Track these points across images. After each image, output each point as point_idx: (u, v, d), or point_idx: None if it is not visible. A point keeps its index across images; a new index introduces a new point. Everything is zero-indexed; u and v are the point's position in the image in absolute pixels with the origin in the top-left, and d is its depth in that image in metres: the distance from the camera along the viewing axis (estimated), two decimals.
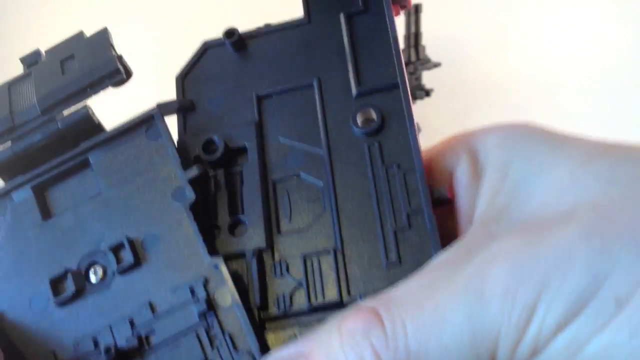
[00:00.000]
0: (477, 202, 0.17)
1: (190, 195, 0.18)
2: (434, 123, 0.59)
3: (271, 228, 0.19)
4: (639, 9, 0.76)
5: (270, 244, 0.18)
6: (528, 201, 0.16)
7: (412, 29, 0.65)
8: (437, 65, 0.66)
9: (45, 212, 0.19)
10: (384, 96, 0.19)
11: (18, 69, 0.71)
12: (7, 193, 0.18)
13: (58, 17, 0.75)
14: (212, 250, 0.18)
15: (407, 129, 0.18)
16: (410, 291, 0.15)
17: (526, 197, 0.16)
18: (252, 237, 0.18)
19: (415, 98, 0.63)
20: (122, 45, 0.80)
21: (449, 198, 0.18)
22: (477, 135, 0.18)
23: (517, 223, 0.16)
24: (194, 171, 0.18)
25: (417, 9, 0.65)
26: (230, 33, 0.22)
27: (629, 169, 0.14)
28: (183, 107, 0.20)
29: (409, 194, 0.18)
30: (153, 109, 0.21)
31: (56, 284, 0.18)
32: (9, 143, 0.19)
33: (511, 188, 0.17)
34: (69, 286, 0.18)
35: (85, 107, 0.20)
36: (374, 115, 0.19)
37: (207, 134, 0.20)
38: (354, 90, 0.19)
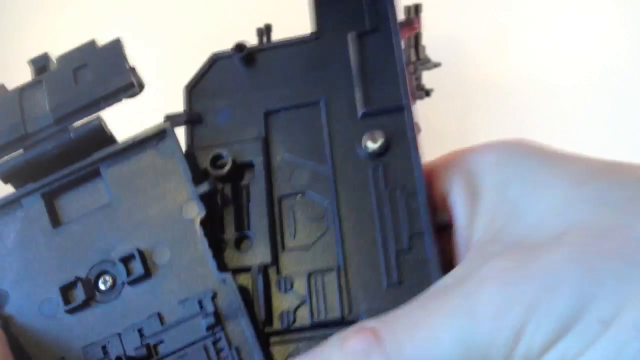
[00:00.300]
0: (474, 227, 0.18)
1: (202, 211, 0.19)
2: (434, 123, 0.59)
3: (276, 244, 0.19)
4: None
5: (275, 260, 0.19)
6: (523, 222, 0.17)
7: None
8: (437, 65, 0.66)
9: (55, 220, 0.19)
10: (389, 118, 0.19)
11: (18, 69, 0.70)
12: (17, 200, 0.19)
13: (60, 21, 0.75)
14: (221, 265, 0.18)
15: (411, 152, 0.19)
16: (409, 313, 0.16)
17: (521, 219, 0.17)
18: (258, 253, 0.19)
19: (415, 98, 0.63)
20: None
21: (449, 224, 0.18)
22: (471, 156, 0.19)
23: (510, 244, 0.16)
24: (204, 187, 0.19)
25: (417, 9, 0.65)
26: (240, 47, 0.21)
27: (621, 192, 0.15)
28: (191, 119, 0.20)
29: (411, 216, 0.18)
30: (165, 124, 0.21)
31: (66, 292, 0.18)
32: (20, 150, 0.19)
33: (507, 210, 0.17)
34: (79, 294, 0.18)
35: (98, 119, 0.20)
36: (379, 137, 0.19)
37: (215, 148, 0.20)
38: (360, 111, 0.19)
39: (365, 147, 0.19)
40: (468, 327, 0.14)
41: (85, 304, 0.18)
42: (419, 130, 0.20)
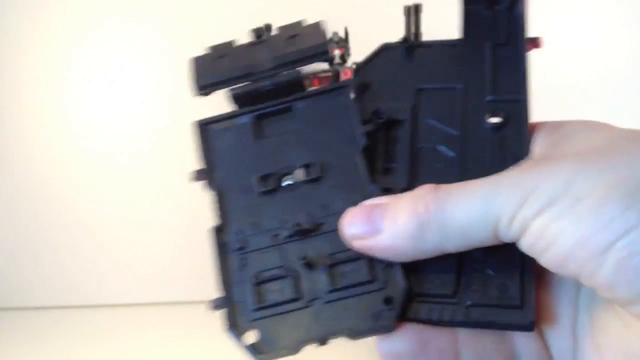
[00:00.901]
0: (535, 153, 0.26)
1: (364, 141, 0.26)
2: None
3: (412, 175, 0.26)
4: None
5: (410, 185, 0.25)
6: (563, 146, 0.24)
7: (412, 29, 0.65)
8: None
9: (259, 134, 0.27)
10: (509, 105, 0.26)
11: (18, 68, 0.70)
12: (236, 116, 0.28)
13: (61, 17, 0.75)
14: (372, 181, 0.25)
15: (522, 132, 0.25)
16: (464, 182, 0.22)
17: (564, 144, 0.24)
18: (398, 179, 0.26)
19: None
20: (129, 41, 0.79)
21: None
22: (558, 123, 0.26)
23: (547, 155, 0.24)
24: (369, 126, 0.26)
25: (417, 9, 0.65)
26: (406, 40, 0.30)
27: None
28: (362, 84, 0.28)
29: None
30: (347, 81, 0.28)
31: (261, 180, 0.26)
32: (247, 82, 0.28)
33: (559, 138, 0.24)
34: (270, 183, 0.26)
35: (298, 71, 0.28)
36: (501, 116, 0.26)
37: (377, 105, 0.27)
38: (487, 97, 0.26)
39: (489, 121, 0.26)
40: (491, 192, 0.21)
41: (273, 191, 0.26)
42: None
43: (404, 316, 0.23)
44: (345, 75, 0.31)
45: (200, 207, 0.79)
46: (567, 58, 0.68)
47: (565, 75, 0.68)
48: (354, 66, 0.63)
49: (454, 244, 0.22)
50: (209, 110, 0.85)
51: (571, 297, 0.24)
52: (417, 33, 0.65)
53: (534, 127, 0.26)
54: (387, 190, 0.25)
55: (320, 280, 0.24)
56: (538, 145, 0.25)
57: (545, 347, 0.24)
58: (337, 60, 0.66)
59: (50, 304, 0.77)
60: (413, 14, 0.65)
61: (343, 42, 0.68)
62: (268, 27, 0.67)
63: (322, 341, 0.23)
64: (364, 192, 0.25)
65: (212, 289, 0.85)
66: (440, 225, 0.22)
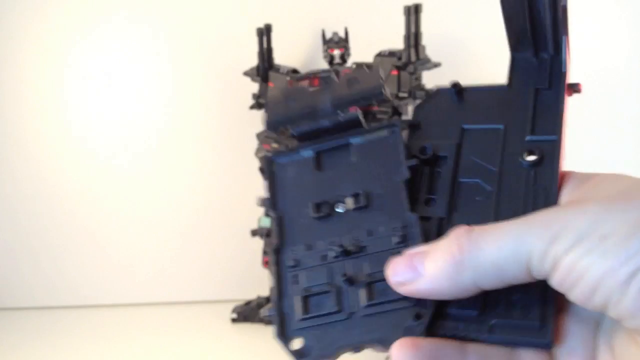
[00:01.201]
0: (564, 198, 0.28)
1: (406, 174, 0.29)
2: None
3: (451, 207, 0.29)
4: None
5: (449, 215, 0.28)
6: (590, 192, 0.26)
7: (412, 29, 0.65)
8: (437, 65, 0.66)
9: (318, 167, 0.31)
10: (545, 144, 0.29)
11: (17, 68, 0.70)
12: (299, 150, 0.31)
13: (60, 16, 0.75)
14: (412, 210, 0.28)
15: (554, 168, 0.28)
16: (499, 223, 0.24)
17: (591, 191, 0.26)
18: (438, 210, 0.29)
19: (415, 98, 0.63)
20: (128, 40, 0.79)
21: None
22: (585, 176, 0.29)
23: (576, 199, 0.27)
24: (412, 161, 0.29)
25: (417, 9, 0.65)
26: (456, 85, 0.32)
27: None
28: (413, 124, 0.31)
29: (547, 200, 0.27)
30: (397, 121, 0.31)
31: (316, 207, 0.30)
32: (309, 122, 0.32)
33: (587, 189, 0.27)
34: (323, 210, 0.29)
35: (357, 112, 0.31)
36: (537, 154, 0.29)
37: (423, 142, 0.30)
38: (527, 137, 0.29)
39: (526, 159, 0.29)
40: (523, 232, 0.23)
41: (326, 217, 0.29)
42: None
43: (431, 331, 0.26)
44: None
45: (199, 207, 0.79)
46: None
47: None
48: (354, 66, 0.64)
49: (489, 282, 0.24)
50: (209, 110, 0.84)
51: (590, 326, 0.26)
52: (417, 33, 0.65)
53: (563, 176, 0.28)
54: (425, 219, 0.28)
55: (359, 296, 0.27)
56: (566, 195, 0.28)
57: None
58: (337, 60, 0.66)
59: (49, 304, 0.77)
60: (413, 14, 0.66)
61: (343, 42, 0.68)
62: (268, 28, 0.70)
63: (357, 349, 0.26)
64: (404, 220, 0.28)
65: (213, 289, 0.84)
66: (475, 265, 0.24)
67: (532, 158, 0.28)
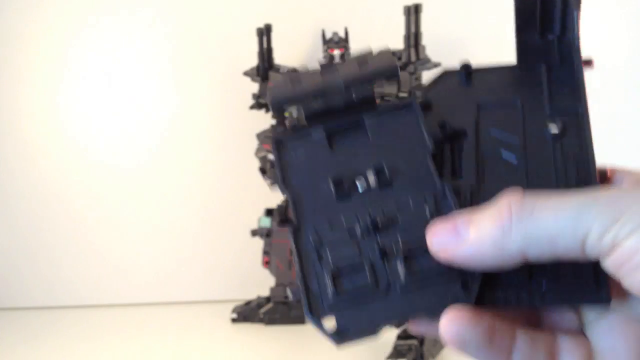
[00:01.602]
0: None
1: (431, 146, 0.28)
2: None
3: (479, 179, 0.28)
4: None
5: (478, 184, 0.28)
6: None
7: (412, 29, 0.65)
8: (437, 65, 0.66)
9: (331, 146, 0.29)
10: (568, 116, 0.29)
11: (15, 68, 0.70)
12: (308, 131, 0.30)
13: (58, 15, 0.75)
14: (442, 182, 0.27)
15: (584, 138, 0.28)
16: (553, 194, 0.23)
17: None
18: (465, 182, 0.28)
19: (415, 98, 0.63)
20: (127, 39, 0.79)
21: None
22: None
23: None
24: (437, 133, 0.29)
25: (417, 9, 0.65)
26: (467, 67, 0.31)
27: None
28: (425, 104, 0.31)
29: (579, 179, 0.27)
30: (412, 98, 0.31)
31: (336, 184, 0.28)
32: (320, 101, 0.30)
33: None
34: (344, 188, 0.28)
35: (370, 88, 0.30)
36: (559, 125, 0.28)
37: (438, 121, 0.30)
38: (547, 109, 0.29)
39: (550, 130, 0.28)
40: (585, 208, 0.22)
41: (347, 195, 0.28)
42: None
43: (481, 302, 0.25)
44: None
45: (199, 208, 0.79)
46: None
47: None
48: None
49: (537, 252, 0.23)
50: (209, 110, 0.84)
51: (636, 323, 0.25)
52: (417, 33, 0.65)
53: (612, 171, 0.28)
54: (456, 193, 0.27)
55: (396, 268, 0.26)
56: (624, 184, 0.27)
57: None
58: (337, 60, 0.66)
59: (49, 304, 0.77)
60: (413, 13, 0.66)
61: (343, 42, 0.68)
62: (268, 28, 0.69)
63: (401, 322, 0.25)
64: (435, 191, 0.27)
65: (213, 289, 0.84)
66: (526, 232, 0.22)
67: (555, 129, 0.28)
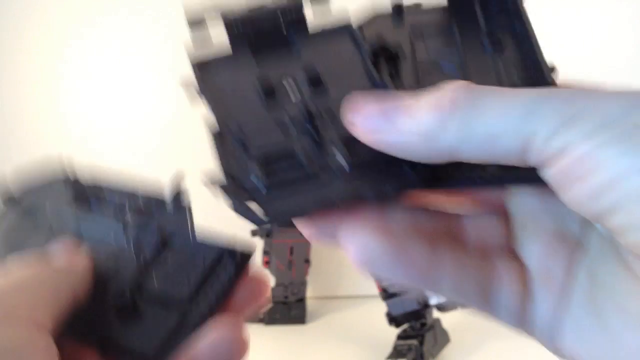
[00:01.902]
0: None
1: (367, 49, 0.26)
2: None
3: (418, 84, 0.26)
4: None
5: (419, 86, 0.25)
6: None
7: None
8: None
9: (260, 66, 0.26)
10: (509, 32, 0.27)
11: (17, 66, 0.69)
12: (236, 55, 0.26)
13: (58, 14, 0.75)
14: (381, 80, 0.25)
15: (530, 46, 0.26)
16: (502, 88, 0.20)
17: None
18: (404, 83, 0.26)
19: None
20: (127, 38, 0.79)
21: None
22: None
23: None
24: (372, 40, 0.27)
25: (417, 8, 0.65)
26: (397, 6, 0.30)
27: None
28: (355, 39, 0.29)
29: (527, 77, 0.25)
30: (348, 21, 0.28)
31: (267, 94, 0.25)
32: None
33: None
34: (271, 91, 0.25)
35: (300, 8, 0.27)
36: (500, 37, 0.26)
37: (378, 33, 0.28)
38: (483, 28, 0.27)
39: (488, 46, 0.27)
40: (537, 104, 0.19)
41: (275, 100, 0.25)
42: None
43: (436, 184, 0.22)
44: None
45: (198, 207, 0.79)
46: (567, 58, 0.68)
47: (566, 75, 0.68)
48: None
49: (470, 151, 0.19)
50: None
51: (570, 246, 0.22)
52: None
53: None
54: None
55: (333, 155, 0.23)
56: None
57: (527, 290, 0.22)
58: None
59: None
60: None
61: None
62: None
63: (340, 203, 0.22)
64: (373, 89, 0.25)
65: None
66: (464, 126, 0.19)
67: (493, 44, 0.26)
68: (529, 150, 0.18)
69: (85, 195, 0.30)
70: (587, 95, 0.19)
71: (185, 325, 0.25)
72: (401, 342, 0.59)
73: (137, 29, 0.76)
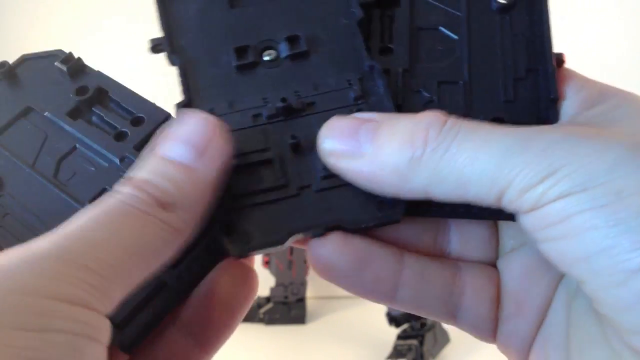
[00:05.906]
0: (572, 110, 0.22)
1: (359, 13, 0.23)
2: None
3: (412, 57, 0.23)
4: None
5: (412, 67, 0.23)
6: (606, 118, 0.20)
7: None
8: None
9: (232, 4, 0.23)
10: None
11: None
12: None
13: (61, 16, 0.75)
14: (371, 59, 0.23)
15: (538, 13, 0.24)
16: (482, 124, 0.19)
17: (608, 117, 0.20)
18: (397, 60, 0.23)
19: None
20: (128, 39, 0.79)
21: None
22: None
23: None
24: None
25: None
26: None
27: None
28: None
29: (530, 56, 0.23)
30: None
31: (238, 52, 0.22)
32: None
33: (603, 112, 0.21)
34: (248, 56, 0.22)
35: None
36: None
37: None
38: None
39: (497, 1, 0.24)
40: (509, 153, 0.18)
41: (252, 66, 0.22)
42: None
43: (414, 213, 0.21)
44: None
45: None
46: (568, 58, 0.68)
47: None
48: None
49: (442, 194, 0.18)
50: None
51: (547, 283, 0.21)
52: None
53: (563, 74, 0.23)
54: (386, 72, 0.22)
55: (311, 166, 0.21)
56: (570, 107, 0.22)
57: (498, 301, 0.22)
58: None
59: None
60: None
61: None
62: None
63: (316, 232, 0.20)
64: (361, 69, 0.22)
65: None
66: (436, 168, 0.18)
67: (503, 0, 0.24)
68: (503, 198, 0.18)
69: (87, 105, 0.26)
70: (567, 148, 0.17)
71: None
72: (401, 342, 0.59)
73: (138, 30, 0.76)
